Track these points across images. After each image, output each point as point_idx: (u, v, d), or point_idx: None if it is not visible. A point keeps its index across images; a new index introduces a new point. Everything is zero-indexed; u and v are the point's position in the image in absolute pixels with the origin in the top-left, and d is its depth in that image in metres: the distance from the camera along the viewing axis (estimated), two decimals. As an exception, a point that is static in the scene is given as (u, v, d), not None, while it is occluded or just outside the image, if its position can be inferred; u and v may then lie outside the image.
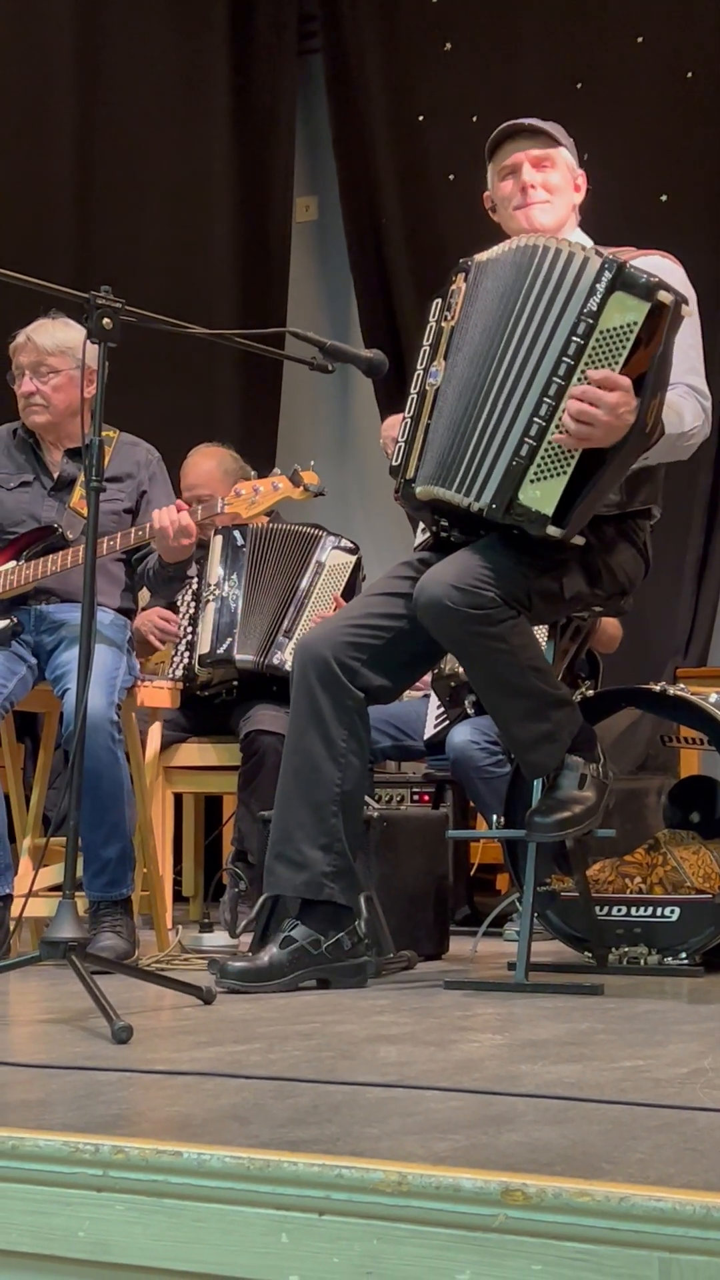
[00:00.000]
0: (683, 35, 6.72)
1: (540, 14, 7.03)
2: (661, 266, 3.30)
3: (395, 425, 3.46)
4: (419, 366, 3.37)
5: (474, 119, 6.67)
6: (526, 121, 3.50)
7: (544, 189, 3.47)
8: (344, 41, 7.52)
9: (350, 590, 4.94)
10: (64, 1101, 1.96)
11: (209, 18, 7.47)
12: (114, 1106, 1.93)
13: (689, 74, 6.70)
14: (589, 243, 3.41)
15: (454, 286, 3.36)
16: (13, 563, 3.97)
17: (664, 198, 6.66)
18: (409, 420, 3.36)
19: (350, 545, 5.01)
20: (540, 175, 3.47)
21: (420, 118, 7.32)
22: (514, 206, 3.47)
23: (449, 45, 7.24)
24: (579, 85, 6.86)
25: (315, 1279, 1.51)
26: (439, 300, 3.38)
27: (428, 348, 3.37)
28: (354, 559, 4.98)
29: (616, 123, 6.71)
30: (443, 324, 3.35)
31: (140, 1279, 1.61)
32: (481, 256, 3.35)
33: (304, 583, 4.92)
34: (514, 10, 7.11)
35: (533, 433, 3.15)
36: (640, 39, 6.80)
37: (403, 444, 3.36)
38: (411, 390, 3.37)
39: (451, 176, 7.16)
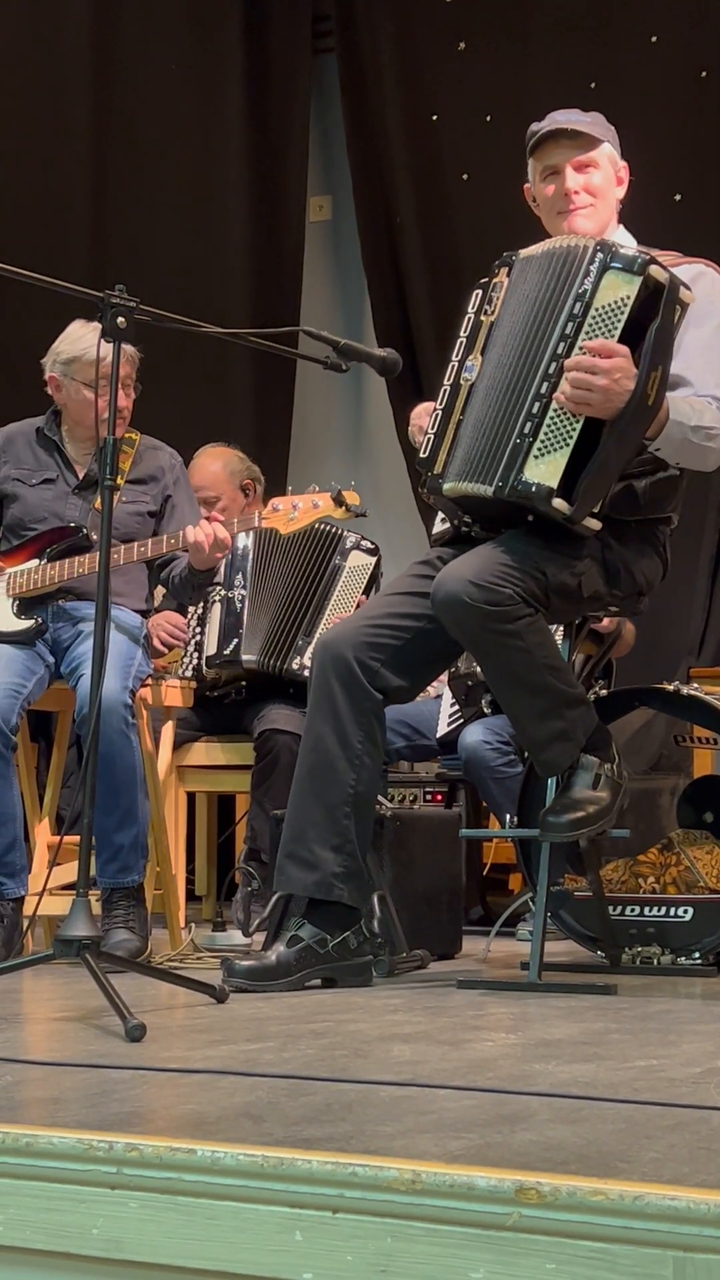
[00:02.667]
0: (697, 34, 6.71)
1: (554, 13, 7.02)
2: (705, 275, 3.34)
3: (424, 414, 3.46)
4: (454, 358, 3.38)
5: (488, 118, 6.68)
6: (569, 124, 3.45)
7: (586, 192, 3.45)
8: (358, 41, 7.51)
9: (370, 592, 4.92)
10: (78, 1099, 1.97)
11: (223, 18, 7.47)
12: (128, 1104, 1.93)
13: (703, 73, 6.69)
14: (632, 243, 3.42)
15: (496, 280, 3.37)
16: (34, 561, 3.97)
17: (678, 197, 6.65)
18: (440, 412, 3.37)
19: (371, 546, 4.98)
20: (583, 178, 3.45)
21: (434, 117, 7.31)
22: (557, 211, 3.45)
23: (463, 45, 7.24)
24: (593, 84, 6.84)
25: (329, 1277, 1.51)
26: (479, 292, 3.39)
27: (464, 340, 3.37)
28: (374, 560, 4.95)
29: (630, 122, 6.61)
30: (482, 318, 3.36)
31: (154, 1276, 1.61)
32: (524, 252, 3.36)
33: (322, 584, 4.89)
34: (528, 10, 7.10)
35: (535, 410, 3.20)
36: (654, 38, 6.79)
37: (432, 436, 3.37)
38: (445, 381, 3.38)
39: (465, 176, 7.15)
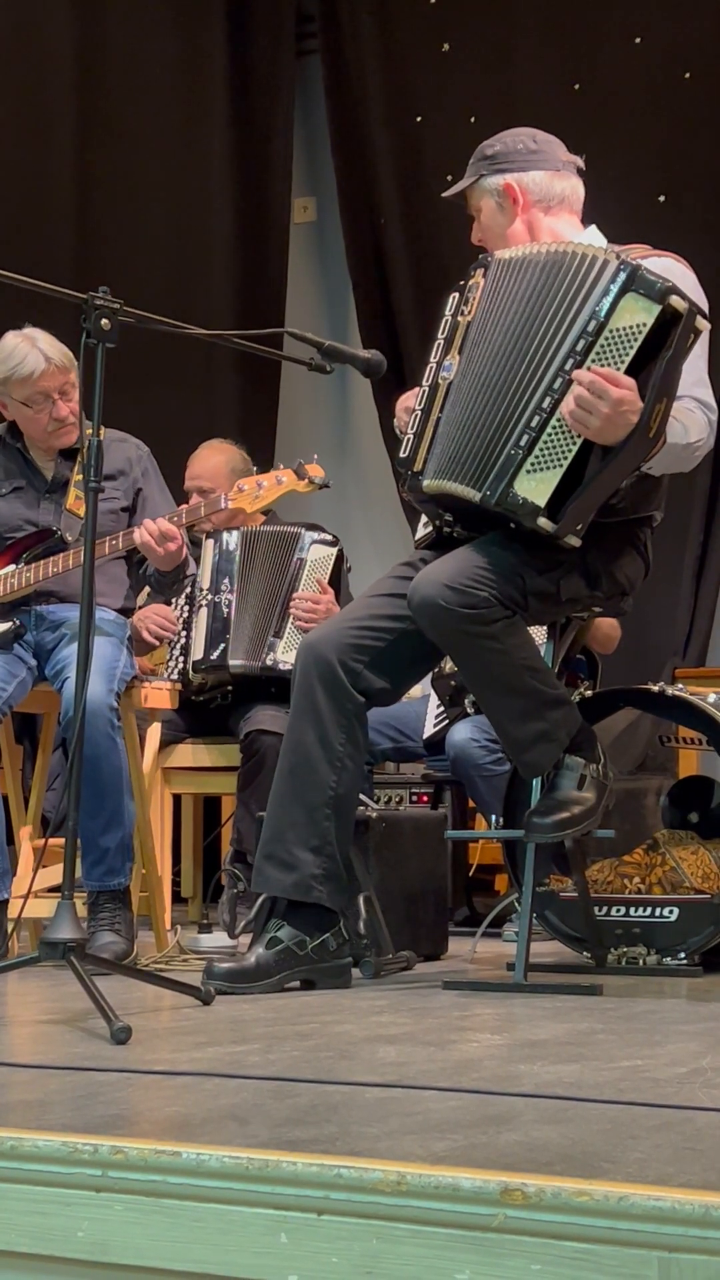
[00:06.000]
0: (681, 36, 6.72)
1: (538, 15, 7.03)
2: (672, 270, 3.30)
3: (411, 398, 3.45)
4: (431, 359, 3.37)
5: (472, 120, 6.68)
6: (448, 192, 3.58)
7: (481, 239, 3.54)
8: (342, 42, 7.51)
9: (335, 582, 4.92)
10: (63, 1102, 1.96)
11: (207, 19, 7.46)
12: (113, 1107, 1.93)
13: (687, 75, 6.70)
14: (603, 241, 3.42)
15: (472, 281, 3.36)
16: (12, 566, 3.97)
17: (662, 198, 6.66)
18: (419, 412, 3.36)
19: (329, 538, 4.99)
20: (476, 230, 3.56)
21: (418, 119, 7.32)
22: None
23: (447, 46, 7.24)
24: (577, 86, 6.86)
25: (314, 1279, 1.51)
26: (455, 295, 3.38)
27: (441, 341, 3.37)
28: (335, 550, 4.95)
29: (614, 123, 6.71)
30: (459, 318, 3.35)
31: (139, 1279, 1.60)
32: (504, 254, 3.35)
33: (287, 582, 4.90)
34: (512, 11, 7.11)
35: (534, 424, 3.16)
36: (638, 40, 6.80)
37: (411, 436, 3.36)
38: (423, 383, 3.38)
39: (450, 177, 7.10)
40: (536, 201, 3.49)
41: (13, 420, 4.12)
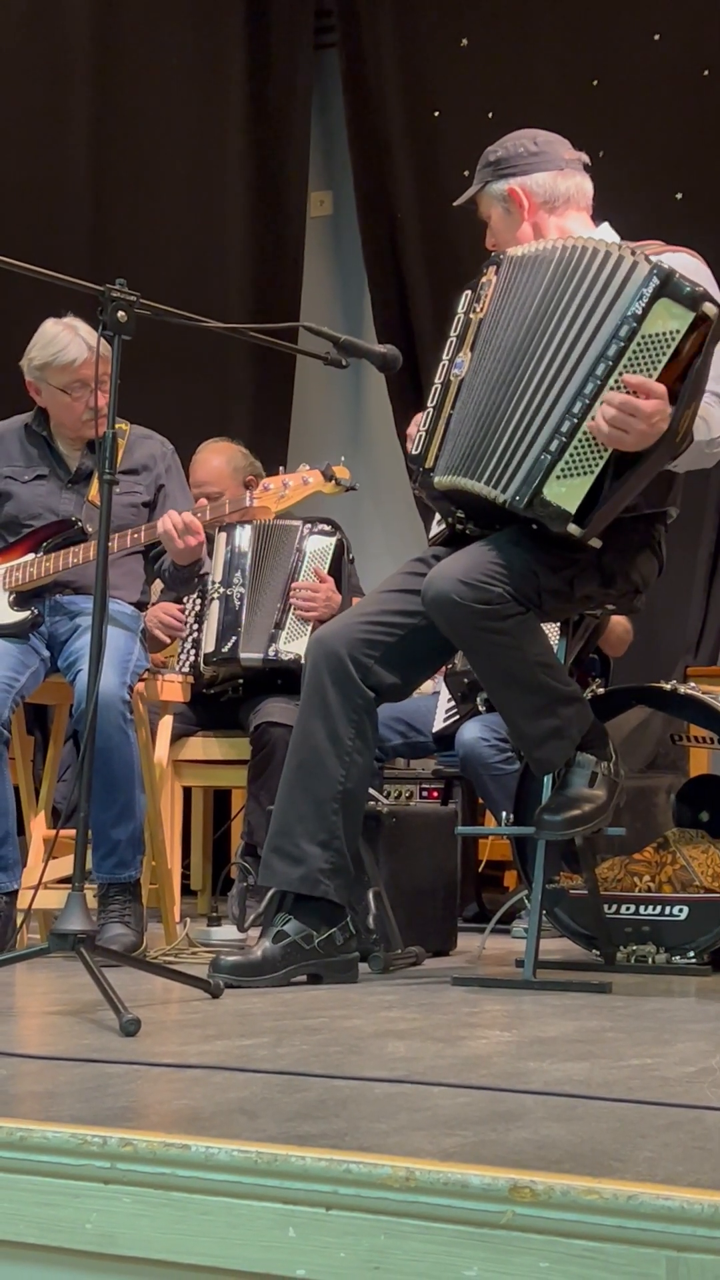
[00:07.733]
0: (700, 33, 6.71)
1: (557, 10, 7.03)
2: (687, 265, 3.29)
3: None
4: (444, 357, 3.37)
5: (490, 115, 6.67)
6: (458, 201, 3.60)
7: (495, 245, 3.54)
8: (360, 36, 7.51)
9: (337, 571, 4.92)
10: (72, 1093, 1.97)
11: (225, 12, 7.47)
12: (122, 1099, 1.93)
13: (705, 72, 6.69)
14: (615, 238, 3.41)
15: (485, 279, 3.36)
16: (31, 555, 3.98)
17: (679, 195, 6.65)
18: (431, 409, 3.36)
19: (326, 528, 4.97)
20: (490, 236, 3.57)
21: (436, 113, 7.31)
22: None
23: (465, 41, 7.24)
24: (595, 82, 6.85)
25: (322, 1273, 1.51)
26: (468, 292, 3.38)
27: (454, 339, 3.37)
28: (333, 540, 4.94)
29: (632, 120, 6.70)
30: (471, 315, 3.35)
31: (147, 1272, 1.61)
32: (516, 251, 3.35)
33: (288, 574, 4.90)
34: (530, 6, 7.10)
35: (564, 429, 3.14)
36: (657, 36, 6.79)
37: (423, 433, 3.36)
38: (435, 380, 3.38)
39: (467, 172, 7.11)
40: (542, 203, 3.49)
41: (41, 408, 4.13)
